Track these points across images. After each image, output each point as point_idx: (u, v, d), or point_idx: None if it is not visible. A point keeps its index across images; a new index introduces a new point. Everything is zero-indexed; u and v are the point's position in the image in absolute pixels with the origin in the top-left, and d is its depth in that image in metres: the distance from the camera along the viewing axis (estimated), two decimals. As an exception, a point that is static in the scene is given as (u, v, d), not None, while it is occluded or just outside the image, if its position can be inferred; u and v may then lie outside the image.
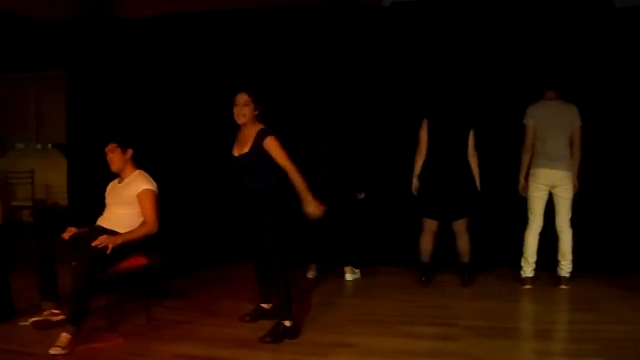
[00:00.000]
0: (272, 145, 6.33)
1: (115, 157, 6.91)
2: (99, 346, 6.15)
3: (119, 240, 6.44)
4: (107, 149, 6.94)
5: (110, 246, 6.32)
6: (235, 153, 6.55)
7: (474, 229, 8.26)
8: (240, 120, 6.43)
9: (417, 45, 9.18)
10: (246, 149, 6.40)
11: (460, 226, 8.19)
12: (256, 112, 6.49)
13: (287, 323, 6.42)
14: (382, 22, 9.36)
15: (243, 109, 6.42)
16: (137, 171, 6.98)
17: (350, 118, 8.99)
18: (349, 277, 8.66)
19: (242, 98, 6.45)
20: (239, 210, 6.87)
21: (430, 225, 8.23)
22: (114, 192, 7.03)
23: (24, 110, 14.04)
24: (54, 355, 5.85)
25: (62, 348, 5.88)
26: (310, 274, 8.81)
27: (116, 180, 7.11)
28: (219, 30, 9.89)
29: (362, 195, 8.67)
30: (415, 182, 8.27)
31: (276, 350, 6.05)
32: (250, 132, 6.44)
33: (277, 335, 6.32)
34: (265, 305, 7.01)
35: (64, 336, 5.94)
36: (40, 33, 12.37)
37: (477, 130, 8.10)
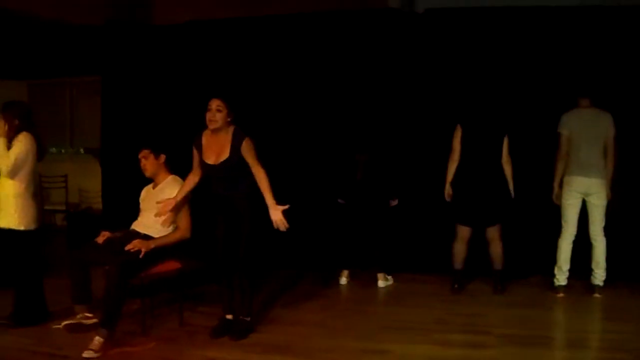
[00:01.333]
0: (248, 148, 6.33)
1: (148, 162, 6.94)
2: (131, 350, 6.17)
3: (152, 244, 6.47)
4: (140, 155, 6.97)
5: (143, 250, 6.35)
6: (210, 161, 6.47)
7: (507, 236, 8.19)
8: (211, 125, 6.37)
9: (451, 51, 9.12)
10: (225, 155, 6.37)
11: (493, 233, 8.12)
12: (229, 119, 6.43)
13: (248, 318, 6.74)
14: (416, 29, 9.32)
15: (215, 115, 6.35)
16: (171, 176, 6.99)
17: (384, 125, 8.94)
18: (381, 283, 8.60)
19: (215, 103, 6.37)
20: (210, 218, 6.75)
21: (464, 232, 8.17)
22: (148, 198, 7.05)
23: (58, 115, 14.15)
24: (87, 358, 5.87)
25: (95, 351, 5.92)
26: (343, 281, 8.77)
27: (150, 186, 7.13)
28: (252, 37, 9.88)
29: (396, 202, 8.63)
30: (448, 189, 8.22)
31: (308, 356, 6.04)
32: (224, 137, 6.41)
33: (241, 331, 6.63)
34: (229, 316, 6.83)
35: (97, 339, 5.97)
36: (75, 39, 12.42)
37: (511, 137, 8.03)
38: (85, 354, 5.88)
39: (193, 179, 6.71)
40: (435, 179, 8.44)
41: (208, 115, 6.35)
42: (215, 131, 6.39)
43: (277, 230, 6.25)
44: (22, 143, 6.69)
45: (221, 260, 6.66)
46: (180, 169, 7.03)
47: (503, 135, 8.01)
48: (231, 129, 6.40)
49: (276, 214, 6.20)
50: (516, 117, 8.58)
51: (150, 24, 11.03)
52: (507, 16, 8.93)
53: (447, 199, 8.26)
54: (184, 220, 6.76)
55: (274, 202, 6.24)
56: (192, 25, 10.16)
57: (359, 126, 8.82)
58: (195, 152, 6.61)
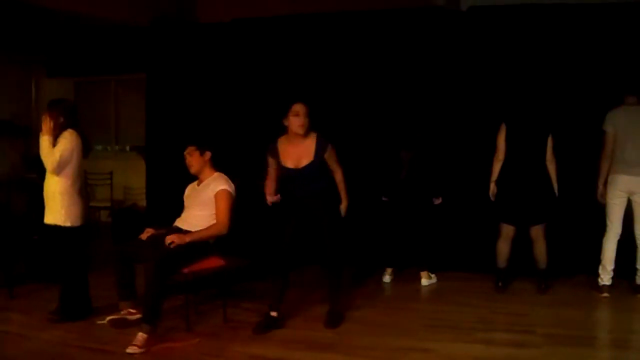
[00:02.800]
0: (332, 153, 6.68)
1: (194, 159, 6.96)
2: (175, 346, 6.20)
3: (188, 238, 6.50)
4: (186, 152, 7.00)
5: (176, 242, 6.38)
6: (290, 165, 6.65)
7: (551, 235, 8.11)
8: (300, 130, 6.53)
9: (495, 49, 9.04)
10: (307, 160, 6.58)
11: (537, 232, 8.04)
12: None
13: (339, 308, 7.02)
14: (460, 27, 9.26)
15: (305, 120, 6.52)
16: (216, 173, 7.02)
17: (429, 123, 8.89)
18: (425, 282, 8.55)
19: (303, 109, 6.55)
20: (282, 218, 6.86)
21: (508, 231, 8.10)
22: (192, 194, 7.09)
23: (103, 112, 14.25)
24: (131, 354, 5.91)
25: (139, 347, 5.96)
26: (386, 279, 8.73)
27: (195, 183, 7.16)
28: (297, 34, 9.88)
29: (440, 201, 8.58)
30: (492, 187, 8.14)
31: (351, 354, 6.03)
32: (307, 143, 6.61)
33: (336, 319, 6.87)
34: (274, 314, 6.87)
35: (140, 335, 6.02)
36: (121, 37, 12.52)
37: (556, 135, 7.95)
38: (129, 350, 5.93)
39: (270, 185, 6.91)
40: (479, 177, 8.37)
41: (296, 121, 6.51)
42: (298, 135, 6.56)
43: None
44: (67, 140, 6.73)
45: (284, 258, 6.77)
46: (224, 167, 7.07)
47: (547, 133, 7.92)
48: (314, 135, 6.63)
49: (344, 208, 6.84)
50: (561, 115, 8.49)
51: (196, 22, 11.06)
52: (551, 13, 8.83)
53: (492, 197, 8.19)
54: (222, 216, 6.74)
55: (346, 200, 6.90)
56: (237, 23, 10.17)
57: (404, 124, 8.77)
58: (270, 160, 6.78)
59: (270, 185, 6.89)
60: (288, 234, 6.75)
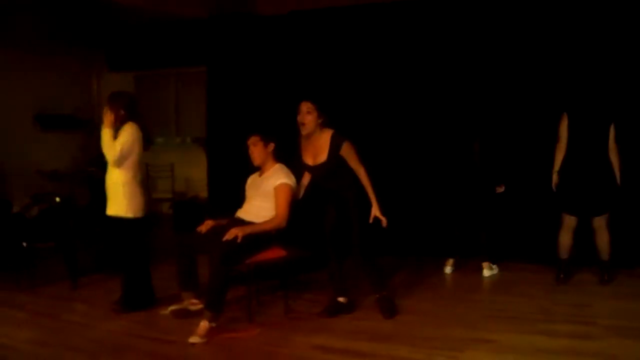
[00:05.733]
0: (348, 151, 6.52)
1: (257, 150, 6.92)
2: (237, 336, 6.22)
3: (248, 230, 6.46)
4: (249, 141, 6.96)
5: (240, 235, 6.32)
6: (310, 162, 6.70)
7: (614, 226, 7.99)
8: (303, 130, 6.56)
9: (557, 38, 8.93)
10: (322, 158, 6.56)
11: (600, 222, 7.93)
12: (320, 120, 6.57)
13: (385, 293, 6.95)
14: (519, 16, 9.15)
15: (306, 117, 6.52)
16: (278, 165, 6.97)
17: (492, 112, 8.79)
18: (486, 272, 8.50)
19: (305, 106, 6.54)
20: (319, 208, 6.94)
21: (570, 222, 8.00)
22: (254, 186, 7.08)
23: (164, 105, 14.34)
24: (193, 343, 5.96)
25: (201, 337, 6.01)
26: (448, 269, 8.69)
27: (256, 174, 7.14)
28: (356, 25, 9.83)
29: (502, 189, 8.50)
30: (555, 177, 8.04)
31: (413, 344, 5.99)
32: (322, 140, 6.57)
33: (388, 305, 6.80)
34: (342, 299, 7.00)
35: (202, 325, 6.06)
36: (181, 30, 12.59)
37: (618, 124, 7.83)
38: (192, 339, 5.98)
39: (306, 176, 6.98)
40: (542, 167, 8.28)
41: (298, 119, 6.57)
42: (307, 135, 6.59)
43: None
44: (128, 133, 6.79)
45: (330, 246, 6.86)
46: (285, 159, 7.07)
47: (610, 123, 7.80)
48: (328, 133, 6.57)
49: (375, 211, 6.57)
50: (623, 104, 8.36)
51: (254, 14, 11.07)
52: None
53: (554, 188, 8.10)
54: (281, 210, 6.70)
55: (376, 200, 6.59)
56: (295, 15, 10.17)
57: (468, 113, 8.70)
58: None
59: (303, 180, 7.00)
60: (329, 225, 6.85)
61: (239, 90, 10.40)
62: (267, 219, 6.72)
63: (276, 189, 6.74)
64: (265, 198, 6.82)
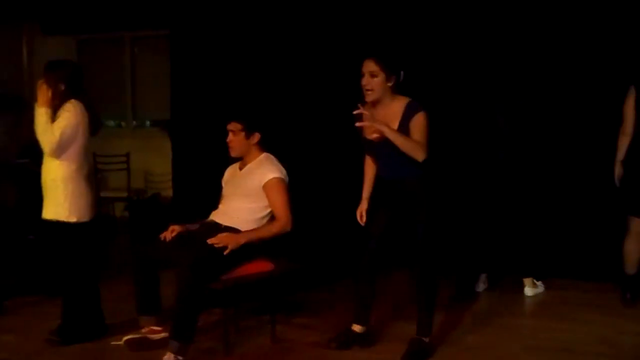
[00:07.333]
0: (417, 122, 6.20)
1: (237, 140, 6.86)
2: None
3: (242, 240, 6.41)
4: (229, 126, 6.87)
5: (230, 247, 6.29)
6: (371, 136, 6.37)
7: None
8: (367, 97, 6.33)
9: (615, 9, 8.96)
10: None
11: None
12: (390, 84, 6.29)
13: (427, 339, 6.49)
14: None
15: (370, 82, 6.26)
16: (263, 155, 6.93)
17: (529, 80, 8.81)
18: (528, 291, 8.52)
19: (368, 66, 6.26)
20: (372, 207, 6.78)
21: (638, 227, 8.02)
22: (233, 181, 7.03)
23: (116, 78, 14.35)
24: (156, 382, 5.96)
25: (165, 375, 5.98)
26: (480, 287, 8.72)
27: (236, 165, 7.11)
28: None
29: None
30: (618, 169, 8.01)
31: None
32: (393, 108, 6.32)
33: (416, 354, 6.39)
34: (357, 328, 6.84)
35: (167, 359, 6.03)
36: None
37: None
38: (153, 379, 5.99)
39: (370, 164, 6.85)
40: (600, 155, 8.29)
41: (362, 82, 6.30)
42: (372, 103, 6.36)
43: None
44: (70, 114, 6.71)
45: (371, 257, 6.69)
46: (269, 147, 7.04)
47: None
48: (403, 100, 6.32)
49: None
50: None
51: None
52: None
53: (617, 182, 8.10)
54: (282, 211, 6.68)
55: None
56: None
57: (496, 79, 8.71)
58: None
59: (366, 180, 6.87)
60: (376, 227, 6.64)
61: (212, 60, 10.38)
62: (251, 222, 6.70)
63: (267, 187, 6.70)
64: (247, 197, 6.77)
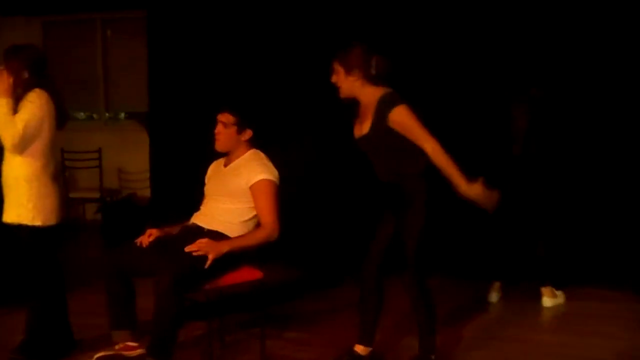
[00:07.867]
0: (400, 119, 6.00)
1: (227, 133, 6.72)
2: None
3: (226, 247, 6.27)
4: (220, 117, 6.75)
5: (211, 256, 6.14)
6: (356, 133, 6.30)
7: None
8: (341, 94, 6.23)
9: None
10: (366, 128, 6.14)
11: None
12: (362, 73, 6.13)
13: (432, 356, 6.40)
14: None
15: (335, 77, 6.20)
16: (251, 151, 6.81)
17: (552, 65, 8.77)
18: (547, 301, 8.49)
19: (335, 62, 6.20)
20: (377, 211, 6.64)
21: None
22: (217, 179, 6.92)
23: (87, 65, 14.27)
24: (130, 404, 5.88)
25: (141, 396, 5.89)
26: (493, 297, 8.69)
27: (221, 161, 6.99)
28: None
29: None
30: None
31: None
32: (369, 101, 6.14)
33: None
34: (361, 349, 6.68)
35: (144, 378, 5.94)
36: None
37: None
38: (128, 400, 5.90)
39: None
40: (628, 151, 8.24)
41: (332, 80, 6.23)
42: (345, 100, 6.26)
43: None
44: (34, 104, 6.61)
45: (373, 267, 6.54)
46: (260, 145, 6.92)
47: None
48: (378, 92, 6.13)
49: (472, 190, 5.90)
50: None
51: None
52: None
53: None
54: (268, 217, 6.54)
55: (463, 179, 5.90)
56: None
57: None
58: None
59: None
60: (380, 234, 6.49)
61: (193, 45, 10.33)
62: (237, 225, 6.59)
63: (255, 189, 6.57)
64: (232, 197, 6.67)
